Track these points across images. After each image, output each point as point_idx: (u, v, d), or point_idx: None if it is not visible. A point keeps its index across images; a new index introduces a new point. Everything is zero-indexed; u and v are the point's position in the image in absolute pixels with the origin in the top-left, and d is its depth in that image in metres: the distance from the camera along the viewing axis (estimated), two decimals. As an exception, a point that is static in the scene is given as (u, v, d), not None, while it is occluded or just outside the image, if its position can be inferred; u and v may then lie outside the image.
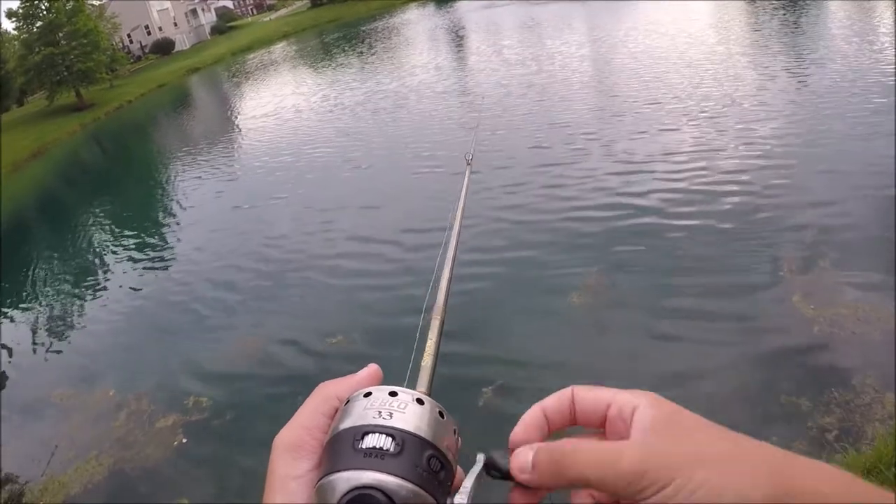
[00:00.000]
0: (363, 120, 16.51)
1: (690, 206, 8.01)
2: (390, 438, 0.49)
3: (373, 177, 12.02)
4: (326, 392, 0.58)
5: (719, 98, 12.28)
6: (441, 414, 0.54)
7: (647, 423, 0.51)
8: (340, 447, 0.50)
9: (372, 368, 0.61)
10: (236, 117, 23.17)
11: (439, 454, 0.51)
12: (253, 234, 10.50)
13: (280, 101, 22.58)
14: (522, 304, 6.63)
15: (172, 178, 16.48)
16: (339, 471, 0.48)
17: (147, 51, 52.72)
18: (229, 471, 5.40)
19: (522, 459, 0.54)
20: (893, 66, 11.99)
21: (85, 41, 35.20)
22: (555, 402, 0.58)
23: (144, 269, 10.67)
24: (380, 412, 0.51)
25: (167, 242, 11.86)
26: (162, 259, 10.92)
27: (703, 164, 9.27)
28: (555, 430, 0.58)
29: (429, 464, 0.50)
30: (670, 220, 7.75)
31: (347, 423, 0.51)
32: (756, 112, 11.14)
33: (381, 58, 27.53)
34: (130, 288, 9.98)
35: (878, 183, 7.72)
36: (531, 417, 0.58)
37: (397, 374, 0.65)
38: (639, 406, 0.53)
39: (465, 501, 0.53)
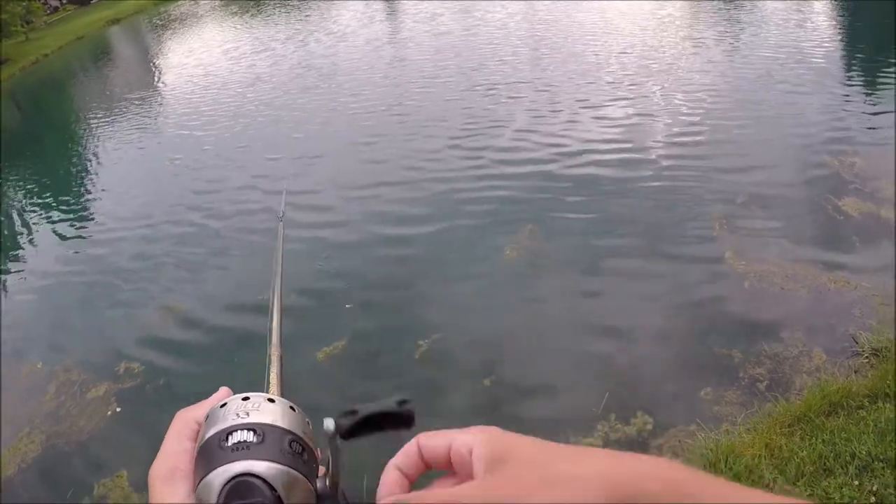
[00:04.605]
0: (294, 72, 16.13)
1: (624, 165, 8.19)
2: (252, 432, 0.54)
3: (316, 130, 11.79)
4: (185, 418, 0.62)
5: (653, 62, 12.49)
6: (292, 408, 0.59)
7: (483, 462, 0.52)
8: (209, 452, 0.54)
9: (223, 390, 0.64)
10: (159, 71, 22.35)
11: (298, 439, 0.56)
12: (177, 196, 10.19)
13: (203, 55, 21.91)
14: (456, 260, 6.67)
15: (93, 137, 15.78)
16: (211, 471, 0.52)
17: (64, 1, 50.15)
18: (166, 437, 5.27)
19: None
20: (823, 41, 12.47)
21: (-3, -8, 33.20)
22: (404, 457, 0.58)
23: (65, 235, 10.23)
24: (237, 414, 0.56)
25: (89, 206, 11.38)
26: (83, 224, 10.48)
27: (635, 124, 9.46)
28: (414, 481, 0.59)
29: (291, 447, 0.55)
30: (603, 178, 7.91)
31: (211, 432, 0.55)
32: (688, 77, 11.40)
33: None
34: (51, 255, 9.57)
35: (806, 148, 8.09)
36: (389, 478, 0.58)
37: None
38: (474, 445, 0.54)
39: (333, 475, 0.57)
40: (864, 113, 9.21)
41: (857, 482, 3.28)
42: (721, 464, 3.44)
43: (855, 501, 3.18)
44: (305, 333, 5.98)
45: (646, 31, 15.12)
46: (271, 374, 0.77)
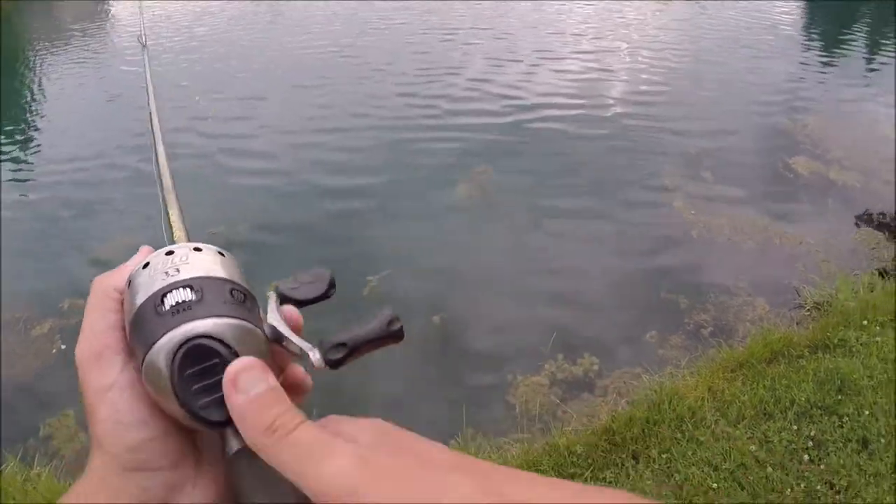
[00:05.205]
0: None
1: (582, 117, 8.17)
2: (188, 289, 0.49)
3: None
4: (103, 287, 0.55)
5: (619, 15, 12.46)
6: (221, 253, 0.55)
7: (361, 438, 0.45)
8: (145, 322, 0.49)
9: (144, 249, 0.57)
10: (106, 2, 21.39)
11: (238, 286, 0.52)
12: (116, 136, 9.77)
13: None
14: (406, 200, 6.55)
15: (34, 71, 15.07)
16: (154, 342, 0.47)
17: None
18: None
19: (247, 382, 0.45)
20: (792, 8, 12.62)
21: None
22: None
23: (11, 170, 9.79)
24: (166, 273, 0.50)
25: (35, 140, 10.86)
26: (21, 163, 9.98)
27: (597, 78, 9.43)
28: None
29: (233, 296, 0.50)
30: (561, 129, 7.87)
31: (141, 298, 0.50)
32: (654, 34, 11.43)
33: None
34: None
35: (763, 108, 8.21)
36: None
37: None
38: (360, 432, 0.45)
39: (279, 319, 0.53)
40: (820, 79, 9.46)
41: (795, 427, 3.36)
42: (665, 405, 3.47)
43: (793, 445, 3.25)
44: (256, 269, 5.84)
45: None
46: (172, 218, 0.68)
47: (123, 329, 0.52)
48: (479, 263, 5.56)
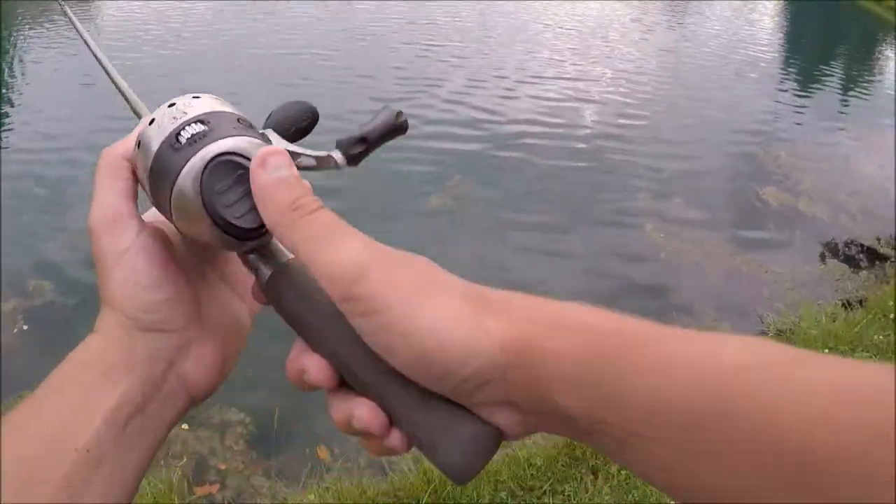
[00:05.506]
0: None
1: (559, 141, 8.17)
2: (198, 123, 0.50)
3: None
4: (112, 156, 0.55)
5: (595, 39, 12.57)
6: (218, 99, 0.55)
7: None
8: (165, 162, 0.49)
9: (146, 117, 0.56)
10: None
11: (243, 117, 0.53)
12: (102, 109, 9.67)
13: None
14: (373, 211, 6.50)
15: (11, 51, 14.92)
16: (179, 173, 0.48)
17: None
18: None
19: (275, 161, 0.47)
20: (773, 43, 12.87)
21: None
22: None
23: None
24: (174, 118, 0.51)
25: (6, 118, 10.74)
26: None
27: (575, 104, 9.50)
28: None
29: (240, 122, 0.52)
30: (535, 153, 7.81)
31: (156, 145, 0.50)
32: (630, 58, 11.54)
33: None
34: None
35: (738, 146, 8.37)
36: None
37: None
38: None
39: (285, 142, 0.54)
40: (796, 119, 9.69)
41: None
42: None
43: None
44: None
45: (601, 13, 15.20)
46: (131, 101, 0.68)
47: (135, 196, 0.53)
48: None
